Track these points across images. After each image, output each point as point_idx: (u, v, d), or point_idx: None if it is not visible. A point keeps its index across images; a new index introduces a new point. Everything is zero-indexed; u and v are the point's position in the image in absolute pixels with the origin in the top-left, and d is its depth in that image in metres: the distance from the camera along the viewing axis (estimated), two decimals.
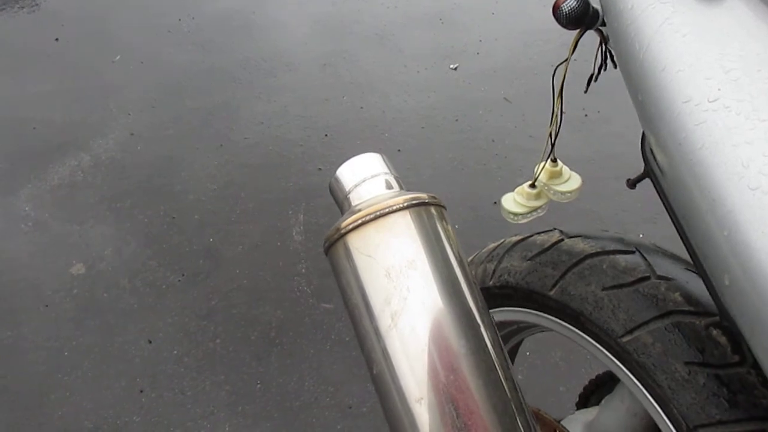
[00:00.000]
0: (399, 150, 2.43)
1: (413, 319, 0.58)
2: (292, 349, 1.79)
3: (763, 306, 0.41)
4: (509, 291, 0.86)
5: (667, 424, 0.67)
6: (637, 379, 0.70)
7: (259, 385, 1.71)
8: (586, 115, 2.54)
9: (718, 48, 0.47)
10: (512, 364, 1.17)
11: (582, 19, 0.67)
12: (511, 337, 1.04)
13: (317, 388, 1.70)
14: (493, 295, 0.89)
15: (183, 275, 1.99)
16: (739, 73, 0.45)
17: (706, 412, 0.63)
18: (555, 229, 0.86)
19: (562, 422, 0.93)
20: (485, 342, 0.60)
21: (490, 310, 0.93)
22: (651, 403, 0.68)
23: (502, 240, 0.92)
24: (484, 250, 0.95)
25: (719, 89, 0.45)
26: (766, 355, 0.44)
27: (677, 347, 0.66)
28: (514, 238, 0.90)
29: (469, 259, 0.97)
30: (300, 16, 3.30)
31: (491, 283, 0.89)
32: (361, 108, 2.66)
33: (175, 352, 1.79)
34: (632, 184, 0.67)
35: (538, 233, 0.87)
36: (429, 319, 0.58)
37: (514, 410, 0.59)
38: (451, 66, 2.90)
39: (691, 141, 0.46)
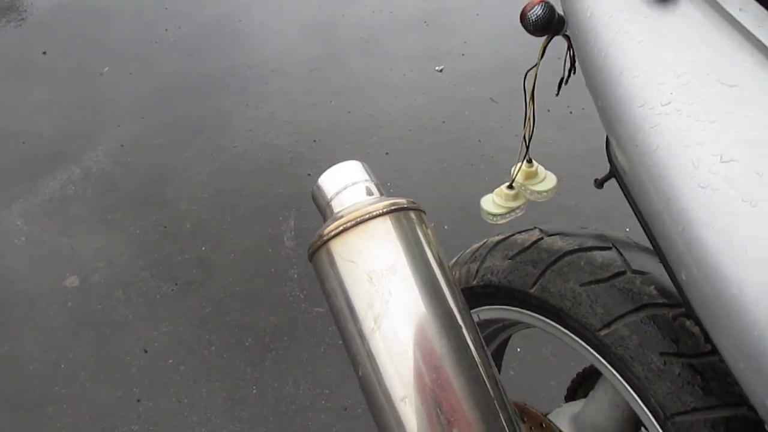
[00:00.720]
0: (387, 153, 2.45)
1: (395, 321, 0.60)
2: (286, 354, 1.81)
3: (716, 300, 0.43)
4: (492, 290, 0.88)
5: (645, 413, 0.69)
6: (616, 371, 0.72)
7: (254, 391, 1.72)
8: (570, 113, 2.57)
9: (671, 54, 0.50)
10: (501, 360, 1.19)
11: (548, 26, 0.69)
12: (497, 334, 1.06)
13: (312, 392, 1.71)
14: (477, 295, 0.91)
15: (176, 284, 2.01)
16: (690, 77, 0.48)
17: (682, 400, 0.65)
18: (535, 227, 0.88)
19: (548, 416, 0.95)
20: (466, 341, 0.62)
21: (475, 309, 0.95)
22: (630, 393, 0.70)
23: (484, 240, 0.94)
24: (467, 251, 0.97)
25: (671, 93, 0.48)
26: (724, 345, 0.46)
27: (652, 339, 0.68)
28: (496, 238, 0.92)
29: (453, 260, 0.99)
30: (286, 21, 3.31)
31: (475, 282, 0.91)
32: (349, 112, 2.68)
33: (171, 360, 1.80)
34: (599, 183, 0.69)
35: (519, 232, 0.89)
36: (411, 321, 0.60)
37: (497, 406, 0.61)
38: (437, 68, 2.92)
39: (647, 143, 0.48)
